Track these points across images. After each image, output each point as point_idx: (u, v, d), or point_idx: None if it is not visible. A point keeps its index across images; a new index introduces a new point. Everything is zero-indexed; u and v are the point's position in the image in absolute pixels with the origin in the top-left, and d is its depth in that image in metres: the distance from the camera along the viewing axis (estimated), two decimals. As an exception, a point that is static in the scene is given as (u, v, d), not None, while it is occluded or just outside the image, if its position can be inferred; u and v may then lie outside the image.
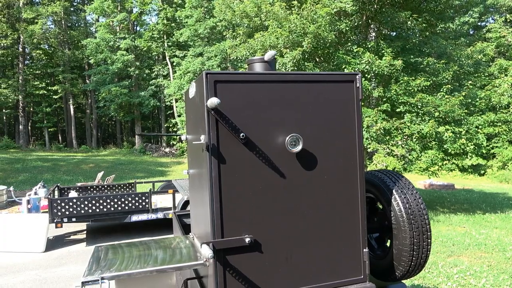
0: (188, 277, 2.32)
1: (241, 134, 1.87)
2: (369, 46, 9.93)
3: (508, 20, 27.52)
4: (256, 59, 2.20)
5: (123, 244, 2.36)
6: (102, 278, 1.79)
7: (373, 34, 10.93)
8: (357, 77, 2.07)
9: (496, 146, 24.27)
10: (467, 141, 9.14)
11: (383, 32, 11.16)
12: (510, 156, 23.80)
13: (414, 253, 2.26)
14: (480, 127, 9.34)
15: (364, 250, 2.10)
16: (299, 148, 1.93)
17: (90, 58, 31.77)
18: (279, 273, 1.94)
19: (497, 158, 24.74)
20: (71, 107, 34.30)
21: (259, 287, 1.91)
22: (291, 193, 1.96)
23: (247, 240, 1.86)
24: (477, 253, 6.49)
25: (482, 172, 24.96)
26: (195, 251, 2.14)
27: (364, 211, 2.11)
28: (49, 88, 33.70)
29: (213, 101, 1.74)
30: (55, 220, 6.78)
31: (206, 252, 1.74)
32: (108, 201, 7.08)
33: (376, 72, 9.15)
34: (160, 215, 7.47)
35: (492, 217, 9.85)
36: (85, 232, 8.17)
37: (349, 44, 10.24)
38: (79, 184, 11.00)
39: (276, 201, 1.94)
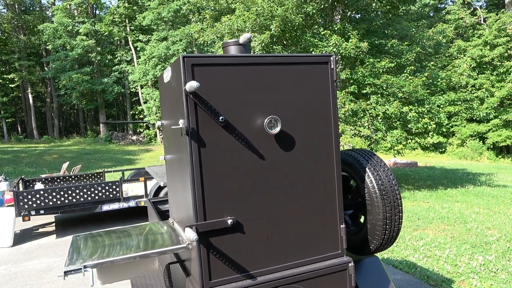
0: (169, 262, 2.33)
1: (220, 118, 1.87)
2: (336, 28, 10.04)
3: (465, 2, 28.51)
4: (232, 42, 2.20)
5: (101, 232, 2.33)
6: (85, 267, 1.78)
7: (338, 16, 11.04)
8: (331, 58, 2.11)
9: (455, 125, 25.43)
10: (430, 120, 9.52)
11: (348, 14, 11.29)
12: (468, 133, 25.03)
13: (387, 226, 2.37)
14: (441, 106, 9.76)
15: (341, 226, 2.19)
16: (277, 129, 1.97)
17: (47, 44, 30.24)
18: (261, 251, 1.98)
19: (456, 136, 25.98)
20: (30, 96, 32.70)
21: (242, 267, 1.96)
22: (271, 173, 2.00)
23: (229, 221, 1.89)
24: (440, 226, 6.86)
25: (443, 149, 26.16)
26: (177, 236, 2.15)
27: (340, 189, 2.18)
28: (5, 76, 31.94)
29: (192, 84, 1.72)
30: (22, 213, 6.54)
31: (190, 235, 1.76)
32: (78, 191, 6.90)
33: (343, 54, 9.30)
34: (132, 203, 7.36)
35: (453, 191, 10.38)
36: (54, 224, 7.94)
37: (316, 27, 10.31)
38: (43, 175, 10.62)
39: (256, 182, 1.97)
